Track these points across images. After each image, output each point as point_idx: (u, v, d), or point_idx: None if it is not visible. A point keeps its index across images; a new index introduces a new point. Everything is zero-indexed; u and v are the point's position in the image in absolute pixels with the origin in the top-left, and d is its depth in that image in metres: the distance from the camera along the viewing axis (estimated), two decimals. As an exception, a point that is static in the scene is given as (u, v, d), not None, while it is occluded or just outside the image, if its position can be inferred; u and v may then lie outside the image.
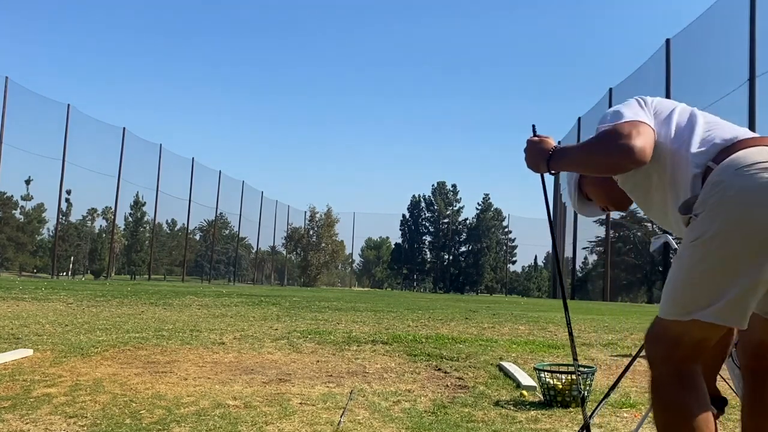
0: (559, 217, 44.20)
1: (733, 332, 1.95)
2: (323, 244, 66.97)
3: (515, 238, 74.12)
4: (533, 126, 2.20)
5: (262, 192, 58.75)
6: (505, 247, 74.45)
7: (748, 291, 1.62)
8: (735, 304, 1.63)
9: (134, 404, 3.41)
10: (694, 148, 1.82)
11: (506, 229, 74.25)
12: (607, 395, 2.91)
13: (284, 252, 70.90)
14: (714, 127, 1.86)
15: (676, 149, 1.86)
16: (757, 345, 1.87)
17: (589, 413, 3.58)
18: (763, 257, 1.60)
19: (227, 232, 66.27)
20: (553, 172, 2.06)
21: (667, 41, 27.77)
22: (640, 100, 1.98)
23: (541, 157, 2.04)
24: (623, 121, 1.83)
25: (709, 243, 1.67)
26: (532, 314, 12.77)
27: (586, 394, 3.78)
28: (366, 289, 72.33)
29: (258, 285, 53.14)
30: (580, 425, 3.32)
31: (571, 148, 2.00)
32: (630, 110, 1.89)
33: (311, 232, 67.79)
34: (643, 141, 1.79)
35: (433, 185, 77.64)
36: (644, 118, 1.86)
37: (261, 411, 3.37)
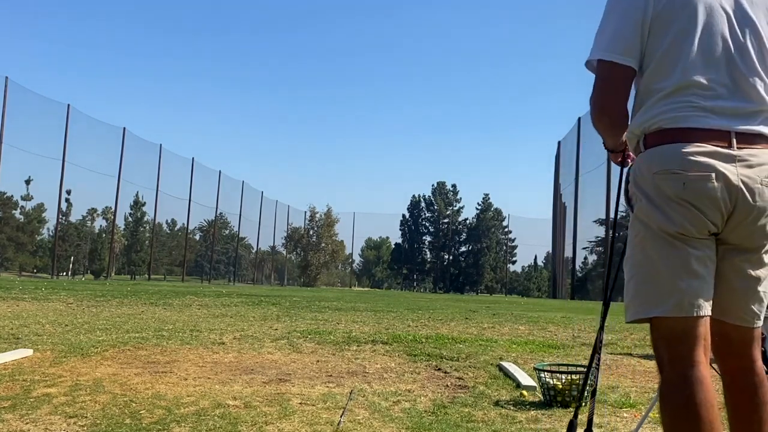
0: (559, 217, 44.21)
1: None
2: (323, 244, 66.96)
3: (515, 238, 74.24)
4: None
5: (262, 192, 58.83)
6: (505, 247, 74.48)
7: (687, 281, 1.71)
8: (683, 296, 1.70)
9: (134, 404, 3.41)
10: (646, 106, 1.81)
11: (506, 229, 74.31)
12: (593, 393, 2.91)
13: (284, 252, 70.90)
14: (687, 86, 1.74)
15: (640, 87, 1.85)
16: (725, 341, 1.85)
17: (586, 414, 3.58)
18: (682, 250, 1.71)
19: (227, 232, 66.26)
20: (615, 155, 2.09)
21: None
22: None
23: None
24: (596, 73, 1.85)
25: (640, 245, 1.79)
26: (532, 314, 12.78)
27: (590, 390, 3.78)
28: (366, 289, 72.32)
29: (258, 285, 53.15)
30: (582, 424, 3.32)
31: None
32: (601, 36, 1.83)
33: (311, 232, 67.77)
34: (607, 100, 1.84)
35: (433, 185, 77.81)
36: (612, 48, 1.79)
37: (261, 411, 3.37)
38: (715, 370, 1.88)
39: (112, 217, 46.46)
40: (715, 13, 1.78)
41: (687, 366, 1.68)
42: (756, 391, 1.81)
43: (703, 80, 1.74)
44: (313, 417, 3.29)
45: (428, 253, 77.25)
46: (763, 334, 2.64)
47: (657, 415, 3.47)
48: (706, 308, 1.72)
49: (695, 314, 1.70)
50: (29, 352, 4.90)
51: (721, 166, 1.68)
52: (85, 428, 2.96)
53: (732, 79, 1.76)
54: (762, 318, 1.85)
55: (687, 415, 1.63)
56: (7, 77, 29.74)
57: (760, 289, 1.81)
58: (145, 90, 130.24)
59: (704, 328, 1.72)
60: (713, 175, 1.68)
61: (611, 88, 1.82)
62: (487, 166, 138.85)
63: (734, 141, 1.71)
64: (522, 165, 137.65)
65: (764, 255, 1.80)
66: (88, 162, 37.54)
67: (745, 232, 1.74)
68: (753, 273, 1.79)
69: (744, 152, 1.71)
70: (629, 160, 2.03)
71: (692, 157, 1.69)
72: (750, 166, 1.70)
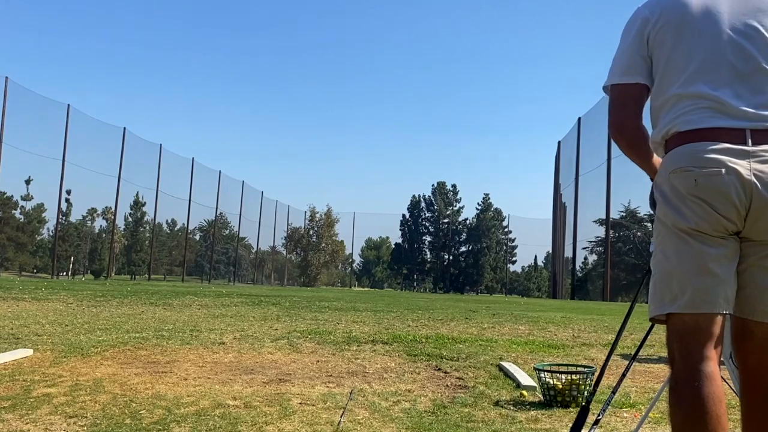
0: (559, 217, 44.18)
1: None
2: (323, 244, 66.99)
3: (515, 238, 74.25)
4: None
5: (262, 192, 58.87)
6: (505, 247, 74.48)
7: (701, 278, 1.74)
8: (696, 293, 1.73)
9: (134, 404, 3.41)
10: (660, 116, 1.90)
11: (506, 229, 74.31)
12: (610, 397, 2.91)
13: (284, 252, 70.88)
14: (694, 94, 1.81)
15: (652, 103, 1.93)
16: (748, 338, 1.86)
17: (592, 413, 3.58)
18: (697, 248, 1.75)
19: (227, 232, 66.22)
20: None
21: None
22: (634, 23, 1.94)
23: None
24: (609, 95, 1.96)
25: (660, 245, 1.84)
26: (532, 314, 12.77)
27: (587, 394, 3.78)
28: (366, 289, 72.30)
29: (258, 285, 53.13)
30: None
31: None
32: (611, 64, 1.95)
33: (311, 232, 67.78)
34: (617, 119, 1.94)
35: (433, 185, 77.76)
36: (621, 70, 1.92)
37: (261, 411, 3.37)
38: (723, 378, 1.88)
39: (112, 217, 46.47)
40: (711, 19, 1.82)
41: (697, 361, 1.70)
42: None
43: (708, 87, 1.79)
44: (313, 417, 3.29)
45: (428, 253, 77.22)
46: None
47: (657, 415, 3.48)
48: (720, 306, 1.74)
49: (708, 311, 1.72)
50: (29, 352, 4.90)
51: (732, 161, 1.71)
52: (85, 428, 2.96)
53: (739, 81, 1.78)
54: None
55: (695, 409, 1.65)
56: (7, 77, 29.76)
57: None
58: (145, 90, 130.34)
59: (717, 326, 1.74)
60: (723, 170, 1.71)
61: (619, 106, 1.93)
62: (487, 166, 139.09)
63: (749, 138, 1.74)
64: (522, 165, 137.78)
65: None
66: (88, 162, 37.56)
67: (763, 226, 1.75)
68: None
69: (759, 148, 1.73)
70: None
71: (704, 155, 1.74)
72: (765, 162, 1.72)
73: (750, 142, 1.73)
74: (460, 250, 75.66)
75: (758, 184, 1.71)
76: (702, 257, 1.74)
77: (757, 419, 1.83)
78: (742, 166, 1.71)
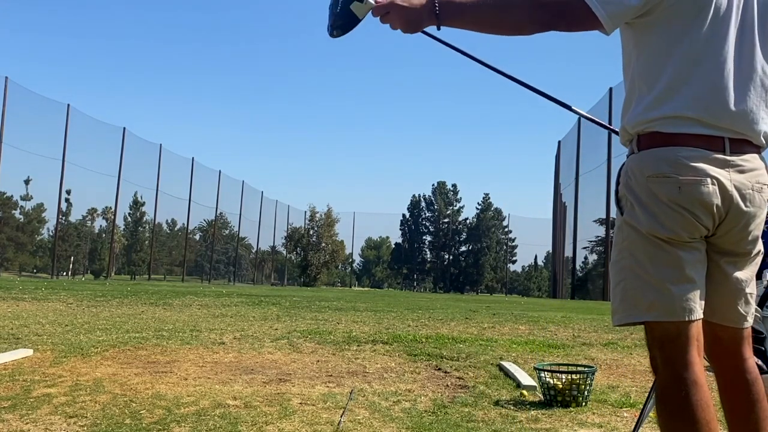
0: (559, 217, 44.21)
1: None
2: (323, 244, 66.89)
3: (515, 238, 74.35)
4: None
5: (262, 192, 58.93)
6: (505, 247, 74.56)
7: (680, 285, 1.69)
8: (676, 300, 1.68)
9: (134, 404, 3.41)
10: (644, 103, 1.75)
11: (506, 229, 74.40)
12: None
13: (284, 252, 70.86)
14: (686, 95, 1.70)
15: (641, 72, 1.76)
16: (715, 341, 1.86)
17: (592, 412, 3.58)
18: (674, 255, 1.69)
19: (227, 232, 66.24)
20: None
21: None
22: None
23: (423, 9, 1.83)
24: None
25: (628, 248, 1.75)
26: (533, 314, 12.77)
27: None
28: (366, 289, 72.34)
29: (258, 285, 53.15)
30: (582, 424, 3.33)
31: None
32: None
33: (311, 232, 67.73)
34: (552, 22, 1.70)
35: (433, 185, 77.98)
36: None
37: (261, 411, 3.37)
38: (708, 369, 1.88)
39: (112, 217, 46.43)
40: (725, 14, 1.70)
41: (681, 368, 1.68)
42: (750, 388, 1.81)
43: (701, 91, 1.71)
44: (313, 417, 3.29)
45: (428, 252, 77.34)
46: (762, 333, 2.64)
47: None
48: (698, 311, 1.71)
49: (687, 318, 1.69)
50: (29, 352, 4.90)
51: (715, 171, 1.68)
52: (85, 428, 2.96)
53: (730, 89, 1.72)
54: (750, 318, 1.85)
55: (684, 417, 1.64)
56: (7, 77, 29.75)
57: (747, 290, 1.81)
58: (145, 90, 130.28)
59: (697, 329, 1.72)
60: (708, 180, 1.67)
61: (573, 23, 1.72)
62: (487, 166, 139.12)
63: (728, 146, 1.70)
64: (522, 165, 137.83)
65: (751, 258, 1.80)
66: (88, 162, 37.63)
67: (735, 237, 1.74)
68: (740, 275, 1.79)
69: (737, 158, 1.71)
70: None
71: (687, 161, 1.68)
72: (742, 171, 1.70)
73: (728, 150, 1.70)
74: (460, 249, 75.76)
75: (737, 196, 1.69)
76: (679, 263, 1.69)
77: (738, 417, 1.83)
78: (724, 176, 1.68)
